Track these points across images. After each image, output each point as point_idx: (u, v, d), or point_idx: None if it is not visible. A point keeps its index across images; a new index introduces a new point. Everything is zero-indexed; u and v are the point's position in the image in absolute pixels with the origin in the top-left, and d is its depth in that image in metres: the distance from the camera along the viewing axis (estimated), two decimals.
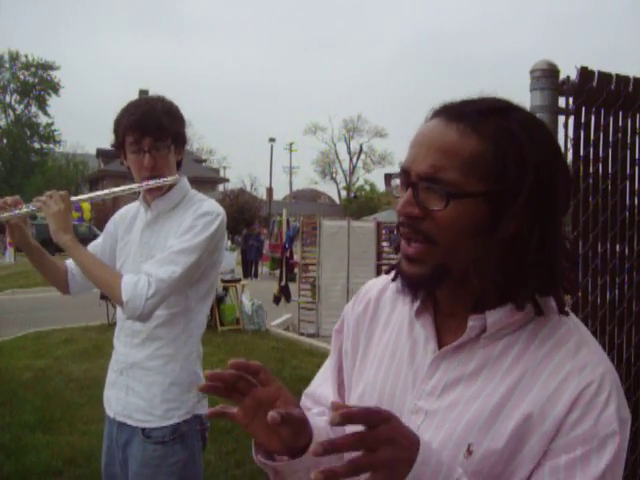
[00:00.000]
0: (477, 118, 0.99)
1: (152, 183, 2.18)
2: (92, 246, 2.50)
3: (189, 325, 2.24)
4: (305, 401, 1.40)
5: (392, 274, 1.13)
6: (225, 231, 2.28)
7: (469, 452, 1.00)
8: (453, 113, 1.02)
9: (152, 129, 2.15)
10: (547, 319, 1.04)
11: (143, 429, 2.19)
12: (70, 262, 2.44)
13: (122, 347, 2.29)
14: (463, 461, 1.00)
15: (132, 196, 2.44)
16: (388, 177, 1.11)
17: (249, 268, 24.26)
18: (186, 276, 2.12)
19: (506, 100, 1.04)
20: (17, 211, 2.13)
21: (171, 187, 2.28)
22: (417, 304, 1.13)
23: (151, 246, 2.25)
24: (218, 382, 1.02)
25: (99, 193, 2.26)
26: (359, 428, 0.88)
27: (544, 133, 1.03)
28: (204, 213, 2.18)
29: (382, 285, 1.28)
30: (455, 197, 0.97)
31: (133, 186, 2.22)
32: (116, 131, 2.23)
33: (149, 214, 2.31)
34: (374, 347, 1.22)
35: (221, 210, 2.24)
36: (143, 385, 2.21)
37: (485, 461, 0.99)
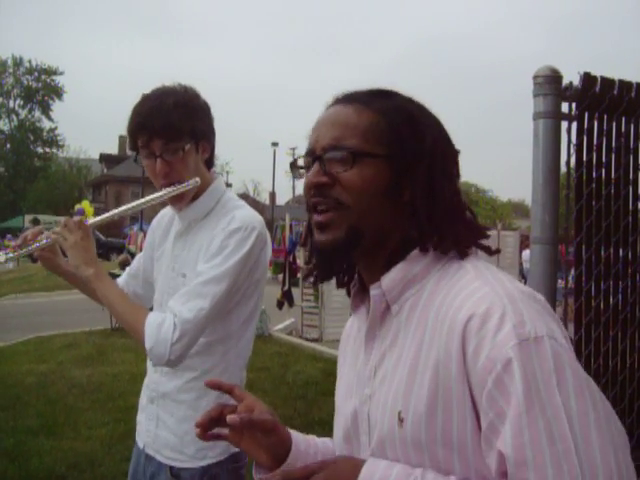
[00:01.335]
0: (366, 99, 1.11)
1: (167, 192, 1.92)
2: (137, 259, 2.32)
3: (227, 354, 1.97)
4: None
5: (305, 275, 1.20)
6: (266, 242, 1.99)
7: (400, 420, 1.00)
8: (346, 98, 1.13)
9: (161, 130, 1.85)
10: (447, 270, 1.06)
11: (171, 467, 1.96)
12: (120, 280, 2.28)
13: (153, 372, 2.06)
14: (399, 431, 1.00)
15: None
16: (294, 163, 1.18)
17: None
18: (217, 308, 1.86)
19: (388, 88, 1.15)
20: (33, 246, 1.94)
21: (201, 191, 1.99)
22: (351, 299, 1.21)
23: (182, 260, 2.01)
24: (209, 424, 1.15)
25: (116, 211, 2.05)
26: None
27: (424, 108, 1.13)
28: (236, 229, 1.88)
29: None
30: (358, 156, 1.05)
31: (149, 198, 1.98)
32: (128, 132, 1.96)
33: (179, 224, 2.06)
34: (342, 356, 1.29)
35: (257, 221, 1.94)
36: (174, 419, 1.97)
37: (417, 425, 0.98)
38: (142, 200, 2.02)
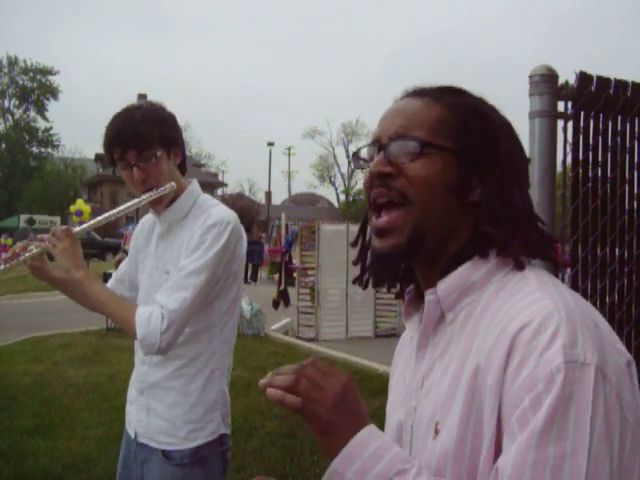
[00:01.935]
0: (438, 94, 1.07)
1: (146, 197, 2.08)
2: (123, 265, 2.45)
3: (212, 342, 2.12)
4: None
5: (357, 279, 1.16)
6: (241, 237, 2.15)
7: (436, 432, 0.95)
8: (416, 92, 1.10)
9: (132, 141, 2.02)
10: (508, 280, 0.99)
11: (163, 450, 2.10)
12: (110, 283, 2.40)
13: (141, 365, 2.19)
14: (433, 443, 0.95)
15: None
16: (356, 153, 1.14)
17: (254, 273, 24.21)
18: (199, 298, 2.01)
19: (457, 86, 1.11)
20: (23, 256, 2.03)
21: (177, 195, 2.16)
22: (404, 307, 1.14)
23: (165, 260, 2.15)
24: None
25: (99, 218, 2.16)
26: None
27: (497, 110, 1.08)
28: (212, 225, 2.04)
29: None
30: (425, 146, 1.00)
31: (129, 204, 2.12)
32: (104, 150, 2.14)
33: (161, 226, 2.21)
34: (395, 367, 1.23)
35: (231, 217, 2.10)
36: (165, 406, 2.11)
37: (450, 437, 0.91)
38: (123, 207, 2.14)
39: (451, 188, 1.01)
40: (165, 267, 2.13)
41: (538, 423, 0.80)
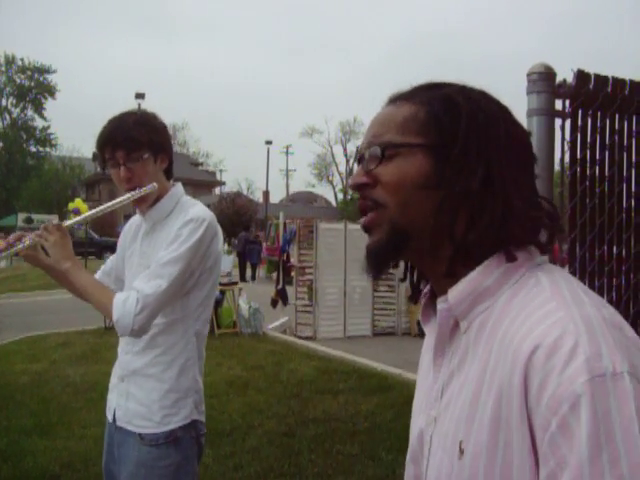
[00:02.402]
0: (411, 94, 1.04)
1: (129, 196, 2.24)
2: (110, 260, 2.62)
3: (187, 332, 2.29)
4: None
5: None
6: (217, 234, 2.30)
7: (461, 451, 0.90)
8: (392, 97, 1.08)
9: (123, 141, 2.20)
10: (522, 284, 0.93)
11: (139, 433, 2.25)
12: (96, 276, 2.54)
13: (124, 354, 2.36)
14: (458, 464, 0.90)
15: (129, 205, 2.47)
16: (350, 171, 1.13)
17: (253, 272, 24.22)
18: (174, 287, 2.17)
19: (444, 81, 1.06)
20: (18, 247, 2.19)
21: (161, 196, 2.32)
22: (420, 312, 1.10)
23: (149, 255, 2.30)
24: None
25: (87, 214, 2.41)
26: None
27: (481, 94, 1.03)
28: (188, 220, 2.21)
29: None
30: (392, 149, 0.99)
31: (115, 201, 2.29)
32: (97, 149, 2.30)
33: (146, 225, 2.38)
34: (419, 372, 1.19)
35: (207, 215, 2.26)
36: (143, 391, 2.27)
37: (477, 459, 0.87)
38: (110, 203, 2.31)
39: (426, 184, 0.97)
40: (147, 262, 2.28)
41: (583, 451, 0.74)
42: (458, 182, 0.95)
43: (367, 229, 1.03)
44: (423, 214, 0.97)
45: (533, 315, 0.86)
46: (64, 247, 2.19)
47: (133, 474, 2.24)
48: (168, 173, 2.38)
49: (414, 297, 1.14)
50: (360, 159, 1.05)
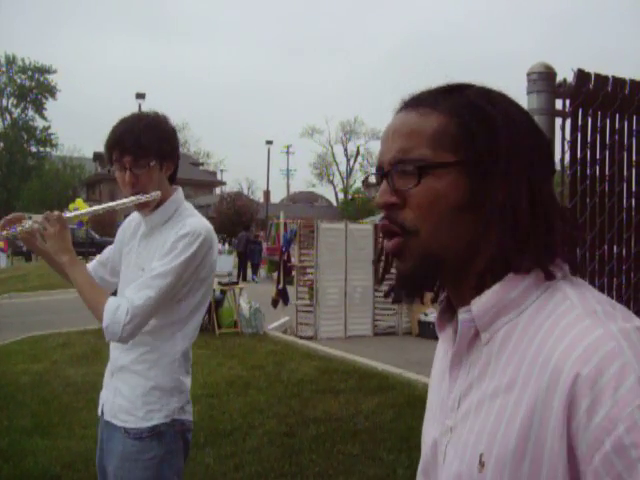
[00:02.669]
0: (433, 99, 0.99)
1: (133, 199, 2.27)
2: (107, 250, 2.66)
3: (175, 335, 2.34)
4: None
5: (386, 293, 1.08)
6: (212, 247, 2.35)
7: (481, 464, 0.89)
8: (412, 102, 1.02)
9: (131, 147, 2.22)
10: (549, 298, 0.92)
11: (125, 428, 2.31)
12: (89, 265, 2.60)
13: (114, 351, 2.43)
14: (478, 477, 0.89)
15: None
16: (365, 181, 1.10)
17: (254, 272, 24.19)
18: (162, 298, 2.23)
19: (461, 82, 1.03)
20: (18, 229, 2.24)
21: (162, 201, 2.35)
22: (436, 319, 1.08)
23: (143, 257, 2.37)
24: None
25: (89, 210, 2.44)
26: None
27: (504, 98, 1.00)
28: (184, 234, 2.25)
29: None
30: (427, 169, 0.94)
31: (118, 202, 2.34)
32: (105, 149, 2.33)
33: (145, 227, 2.42)
34: (432, 378, 1.17)
35: (203, 229, 2.29)
36: (128, 387, 2.33)
37: (499, 472, 0.86)
38: (113, 203, 2.36)
39: (461, 205, 0.93)
40: (142, 265, 2.35)
41: None
42: (503, 202, 0.92)
43: (394, 253, 0.98)
44: (458, 237, 0.95)
45: (569, 333, 0.85)
46: (63, 239, 2.22)
47: (118, 467, 2.30)
48: (172, 178, 2.42)
49: (435, 299, 1.11)
50: (385, 174, 0.99)
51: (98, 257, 2.68)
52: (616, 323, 0.83)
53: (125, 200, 2.29)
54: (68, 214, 2.29)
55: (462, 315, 0.97)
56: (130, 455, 2.28)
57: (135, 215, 2.55)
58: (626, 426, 0.76)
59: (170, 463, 2.32)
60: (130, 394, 2.32)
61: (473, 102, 0.96)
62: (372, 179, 1.07)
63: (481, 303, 0.94)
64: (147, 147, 2.23)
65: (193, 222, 2.30)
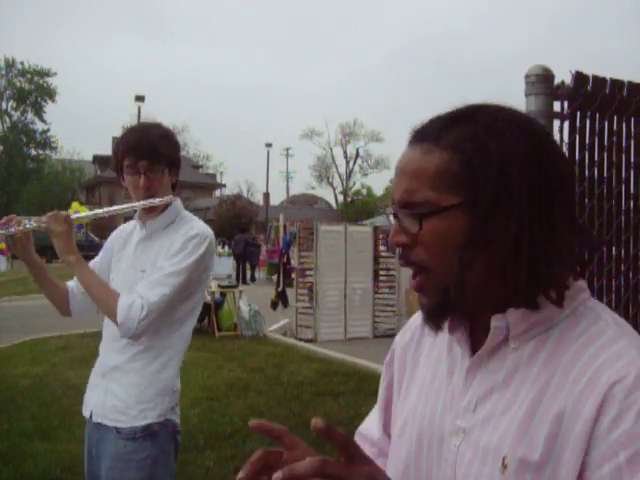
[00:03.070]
0: (437, 133, 0.98)
1: (147, 202, 2.34)
2: (92, 263, 2.64)
3: (171, 335, 2.37)
4: (356, 439, 1.34)
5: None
6: (214, 251, 2.43)
7: (504, 466, 0.92)
8: (417, 135, 1.02)
9: (147, 153, 2.31)
10: (581, 316, 0.96)
11: (117, 428, 2.31)
12: (71, 283, 2.61)
13: (105, 352, 2.46)
14: (500, 478, 0.92)
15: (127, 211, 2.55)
16: (387, 210, 1.08)
17: (252, 273, 24.19)
18: (176, 296, 2.28)
19: (474, 104, 1.01)
20: (23, 227, 2.27)
21: (165, 208, 2.43)
22: (449, 320, 1.08)
23: (143, 260, 2.40)
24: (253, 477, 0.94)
25: (98, 211, 2.49)
26: None
27: (513, 125, 0.96)
28: (194, 235, 2.33)
29: None
30: (428, 215, 0.95)
31: (129, 205, 2.38)
32: (115, 154, 2.40)
33: (144, 232, 2.46)
34: (418, 374, 1.18)
35: (209, 232, 2.40)
36: (122, 387, 2.34)
37: (523, 475, 0.90)
38: (124, 205, 2.40)
39: (467, 244, 0.95)
40: (142, 267, 2.38)
41: None
42: (508, 244, 0.93)
43: (419, 290, 1.01)
44: (470, 271, 0.96)
45: (605, 351, 0.90)
46: (70, 240, 2.26)
47: (111, 468, 2.30)
48: (174, 187, 2.50)
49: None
50: (394, 214, 1.01)
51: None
52: None
53: (140, 203, 2.35)
54: (75, 215, 2.35)
55: (497, 322, 0.98)
56: (123, 455, 2.28)
57: (125, 226, 2.63)
58: None
59: (163, 463, 2.33)
60: (124, 393, 2.33)
61: (477, 136, 0.95)
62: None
63: (519, 314, 0.97)
64: (162, 154, 2.34)
65: (200, 225, 2.41)
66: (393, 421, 1.22)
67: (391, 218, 1.06)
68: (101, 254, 2.66)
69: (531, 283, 0.94)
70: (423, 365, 1.17)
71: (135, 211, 2.48)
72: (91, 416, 2.40)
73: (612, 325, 0.95)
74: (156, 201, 2.34)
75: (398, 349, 1.26)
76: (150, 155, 2.32)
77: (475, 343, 1.05)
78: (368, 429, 1.34)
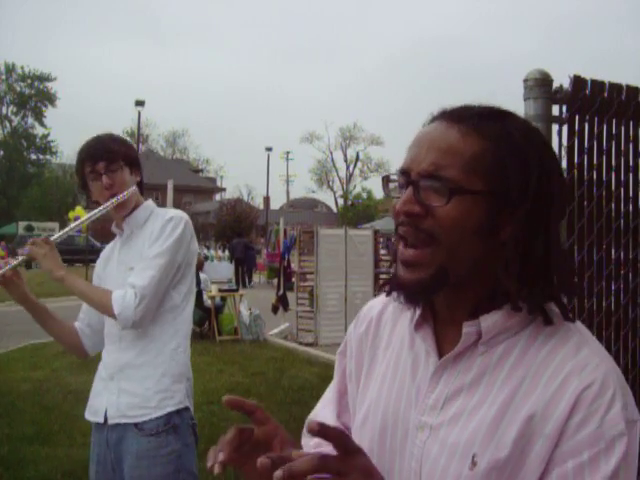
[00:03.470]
0: (477, 120, 1.01)
1: (113, 201, 2.38)
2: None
3: (176, 320, 2.42)
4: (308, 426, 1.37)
5: (388, 291, 1.11)
6: (193, 234, 2.49)
7: (473, 463, 0.97)
8: (454, 116, 1.03)
9: (102, 154, 2.40)
10: (542, 323, 1.02)
11: (136, 424, 2.31)
12: (77, 323, 2.63)
13: (109, 355, 2.46)
14: (468, 474, 0.97)
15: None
16: (386, 178, 1.10)
17: (249, 276, 24.17)
18: (164, 276, 2.34)
19: (502, 108, 1.06)
20: (10, 265, 2.30)
21: (137, 206, 2.49)
22: (416, 317, 1.11)
23: (129, 259, 2.45)
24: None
25: (72, 226, 2.53)
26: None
27: (541, 139, 1.04)
28: (169, 219, 2.40)
29: (383, 304, 1.27)
30: (457, 193, 0.97)
31: (99, 209, 2.43)
32: (77, 171, 2.49)
33: (124, 234, 2.52)
34: (377, 366, 1.20)
35: (185, 215, 2.47)
36: (136, 382, 2.35)
37: (490, 472, 0.96)
38: (94, 212, 2.45)
39: (479, 230, 0.99)
40: (129, 264, 2.43)
41: (607, 475, 0.91)
42: (508, 229, 0.99)
43: (411, 264, 1.01)
44: (469, 255, 1.00)
45: (571, 357, 0.98)
46: (54, 258, 2.33)
47: (135, 467, 2.29)
48: (140, 187, 2.56)
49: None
50: (412, 182, 1.01)
51: (83, 306, 2.63)
52: (607, 359, 1.00)
53: (105, 205, 2.40)
54: (53, 237, 2.41)
55: (469, 328, 1.02)
56: (147, 452, 2.28)
57: (107, 247, 2.69)
58: (607, 442, 0.91)
59: (188, 457, 2.35)
60: (139, 387, 2.34)
61: (513, 136, 1.00)
62: (394, 182, 1.08)
63: (492, 321, 1.01)
64: (117, 152, 2.42)
65: (175, 210, 2.51)
66: (352, 411, 1.25)
67: (392, 185, 1.09)
68: (94, 281, 2.66)
69: (521, 284, 0.99)
70: (382, 358, 1.20)
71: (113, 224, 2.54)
72: (105, 420, 2.38)
73: (574, 332, 1.02)
74: (120, 197, 2.38)
75: (353, 340, 1.28)
76: (105, 155, 2.39)
77: (441, 342, 1.09)
78: (321, 417, 1.35)
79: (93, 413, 2.47)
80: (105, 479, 2.41)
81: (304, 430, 1.29)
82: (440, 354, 1.08)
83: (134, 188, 2.45)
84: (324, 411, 1.34)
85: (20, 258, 2.33)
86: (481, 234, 0.99)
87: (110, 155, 2.40)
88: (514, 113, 1.06)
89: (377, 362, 1.20)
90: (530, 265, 0.99)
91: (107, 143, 2.44)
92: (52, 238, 2.39)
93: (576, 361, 0.97)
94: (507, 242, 0.99)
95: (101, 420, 2.40)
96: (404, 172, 1.03)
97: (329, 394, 1.36)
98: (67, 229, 2.51)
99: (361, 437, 1.14)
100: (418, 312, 1.11)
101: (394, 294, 1.07)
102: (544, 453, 0.94)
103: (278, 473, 0.82)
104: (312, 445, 1.26)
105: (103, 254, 2.69)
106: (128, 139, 2.65)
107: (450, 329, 1.07)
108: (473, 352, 1.04)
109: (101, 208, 2.42)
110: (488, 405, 0.99)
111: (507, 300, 1.01)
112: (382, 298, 1.29)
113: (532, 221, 0.99)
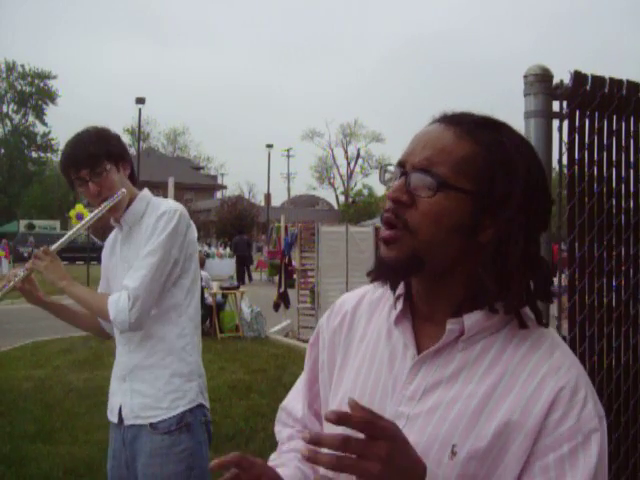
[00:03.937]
0: (473, 126, 1.08)
1: (105, 205, 2.36)
2: (100, 287, 2.69)
3: (180, 319, 2.39)
4: (281, 414, 1.43)
5: (373, 278, 1.16)
6: (190, 224, 2.42)
7: (453, 453, 1.02)
8: (453, 119, 1.10)
9: (84, 161, 2.33)
10: (516, 325, 1.09)
11: (150, 423, 2.32)
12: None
13: (120, 356, 2.46)
14: (448, 463, 1.02)
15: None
16: (384, 168, 1.17)
17: (249, 274, 24.19)
18: (158, 274, 2.29)
19: (500, 119, 1.12)
20: (13, 281, 2.38)
21: (132, 201, 2.45)
22: (396, 312, 1.16)
23: (130, 257, 2.42)
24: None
25: (69, 233, 2.49)
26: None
27: (532, 154, 1.10)
28: (162, 213, 2.34)
29: (358, 298, 1.31)
30: (443, 188, 1.03)
31: (92, 215, 2.42)
32: (62, 173, 2.44)
33: (123, 231, 2.49)
34: (352, 359, 1.24)
35: (178, 206, 2.40)
36: (147, 383, 2.35)
37: (470, 462, 1.02)
38: (88, 218, 2.46)
39: (459, 228, 1.05)
40: (129, 262, 2.40)
41: (590, 467, 0.99)
42: (490, 231, 1.05)
43: (387, 242, 1.08)
44: (445, 251, 1.06)
45: (547, 358, 1.06)
46: (56, 268, 2.36)
47: (148, 465, 2.31)
48: (132, 178, 2.51)
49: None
50: (405, 173, 1.08)
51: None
52: (576, 360, 1.09)
53: (96, 211, 2.38)
54: (53, 247, 2.42)
55: (453, 325, 1.08)
56: (160, 450, 2.30)
57: (111, 235, 2.66)
58: (583, 436, 1.00)
59: (200, 455, 2.36)
60: (150, 388, 2.34)
61: (504, 145, 1.07)
62: (390, 172, 1.15)
63: (474, 319, 1.08)
64: (98, 154, 2.33)
65: (167, 203, 2.43)
66: (324, 399, 1.30)
67: (388, 175, 1.15)
68: (102, 272, 2.69)
69: (499, 287, 1.05)
70: (357, 350, 1.24)
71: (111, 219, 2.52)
72: (121, 420, 2.39)
73: (547, 336, 1.10)
74: (111, 201, 2.35)
75: (326, 331, 1.33)
76: (87, 161, 2.32)
77: (418, 337, 1.14)
78: (292, 406, 1.40)
79: (110, 412, 2.48)
80: (119, 476, 2.43)
81: (277, 417, 1.40)
82: (418, 349, 1.13)
83: (123, 192, 2.37)
84: (294, 399, 1.40)
85: (23, 273, 2.37)
86: (461, 232, 1.05)
87: (92, 160, 2.33)
88: (510, 126, 1.12)
89: (351, 354, 1.25)
90: (506, 269, 1.04)
91: (87, 146, 2.35)
92: (52, 248, 2.40)
93: (551, 363, 1.05)
94: (486, 245, 1.06)
95: (116, 420, 2.42)
96: (400, 163, 1.10)
97: (300, 384, 1.42)
98: (64, 239, 2.47)
99: (335, 426, 1.15)
100: (399, 307, 1.16)
101: (375, 277, 1.14)
102: (524, 447, 1.01)
103: (306, 434, 0.89)
104: (285, 437, 1.35)
105: (107, 242, 2.66)
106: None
107: (428, 325, 1.14)
108: (453, 348, 1.10)
109: (92, 215, 2.41)
110: (466, 398, 1.06)
111: (486, 302, 1.07)
112: (357, 292, 1.34)
113: (512, 228, 1.04)
